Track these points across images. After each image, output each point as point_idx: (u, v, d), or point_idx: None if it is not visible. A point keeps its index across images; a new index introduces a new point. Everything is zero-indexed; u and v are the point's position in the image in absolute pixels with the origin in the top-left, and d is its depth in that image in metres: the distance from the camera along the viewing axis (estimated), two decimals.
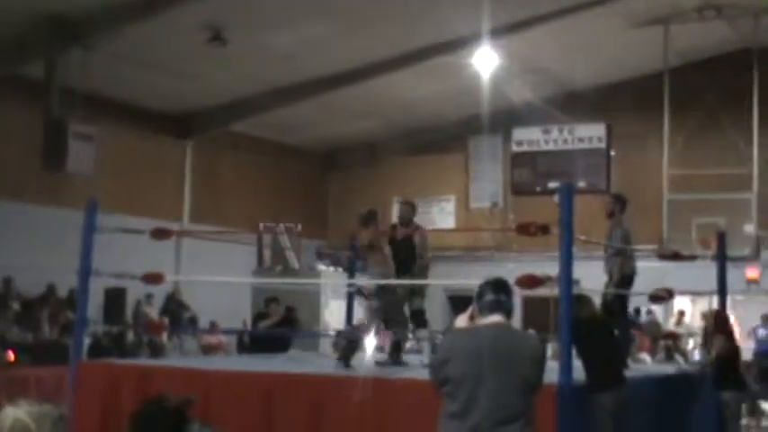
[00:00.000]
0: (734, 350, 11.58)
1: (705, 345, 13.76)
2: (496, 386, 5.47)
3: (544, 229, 9.01)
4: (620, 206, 11.69)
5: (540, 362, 5.70)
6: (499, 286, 5.77)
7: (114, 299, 20.72)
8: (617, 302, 11.38)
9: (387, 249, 11.12)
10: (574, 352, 8.67)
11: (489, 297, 5.70)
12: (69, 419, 3.90)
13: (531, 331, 13.94)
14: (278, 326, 14.61)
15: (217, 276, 18.88)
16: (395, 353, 11.20)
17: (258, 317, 15.47)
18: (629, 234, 11.57)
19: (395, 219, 12.39)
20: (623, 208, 11.72)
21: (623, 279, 11.32)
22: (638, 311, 22.72)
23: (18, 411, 3.74)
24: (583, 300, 9.42)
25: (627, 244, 11.43)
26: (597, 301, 11.01)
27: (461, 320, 5.85)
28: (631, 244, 11.62)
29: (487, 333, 5.64)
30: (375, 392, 8.77)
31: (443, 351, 5.67)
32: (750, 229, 22.55)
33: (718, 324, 11.56)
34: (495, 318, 5.67)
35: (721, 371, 11.19)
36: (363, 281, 11.46)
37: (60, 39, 18.82)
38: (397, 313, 11.15)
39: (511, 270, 11.51)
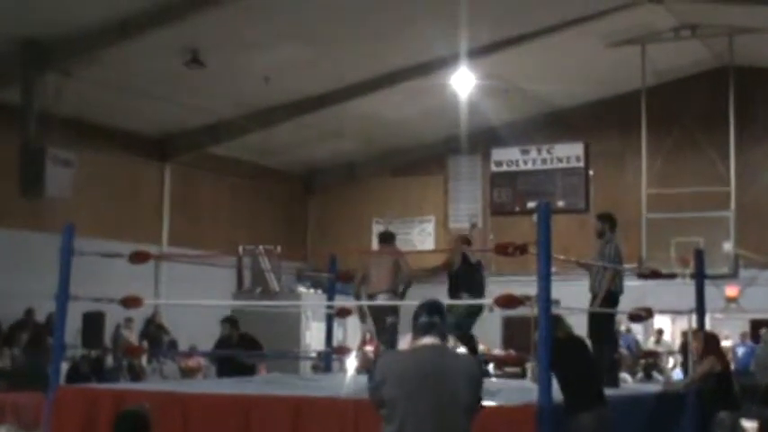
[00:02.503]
0: (726, 370, 11.58)
1: (684, 364, 13.73)
2: (430, 407, 5.48)
3: (522, 249, 9.03)
4: (609, 225, 11.71)
5: (476, 381, 5.69)
6: (433, 308, 5.81)
7: (93, 323, 20.51)
8: (603, 320, 11.36)
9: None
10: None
11: (423, 319, 5.75)
12: None
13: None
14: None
15: (196, 299, 18.73)
16: None
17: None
18: (620, 252, 11.57)
19: (374, 240, 12.41)
20: (613, 227, 11.74)
21: (610, 296, 11.29)
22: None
23: None
24: (556, 320, 9.23)
25: (619, 261, 11.45)
26: (582, 319, 11.01)
27: (404, 343, 5.90)
28: (623, 262, 11.64)
29: (420, 354, 5.66)
30: (354, 413, 8.74)
31: (379, 373, 5.67)
32: (728, 247, 22.56)
33: (709, 345, 11.55)
34: (429, 339, 5.70)
35: (717, 390, 11.19)
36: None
37: (36, 64, 18.76)
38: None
39: (490, 290, 11.51)
